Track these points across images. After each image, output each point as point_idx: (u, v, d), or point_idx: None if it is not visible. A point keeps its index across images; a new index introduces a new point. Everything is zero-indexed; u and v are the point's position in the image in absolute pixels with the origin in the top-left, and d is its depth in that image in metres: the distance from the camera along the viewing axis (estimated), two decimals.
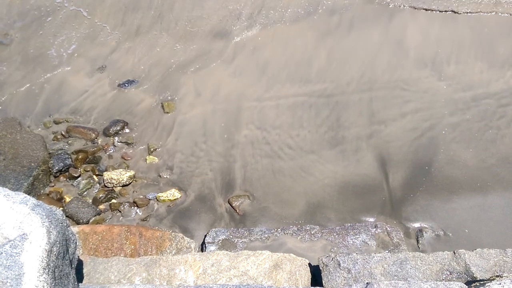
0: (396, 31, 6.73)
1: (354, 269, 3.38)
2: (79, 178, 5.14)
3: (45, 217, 2.30)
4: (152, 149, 5.44)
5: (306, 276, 3.53)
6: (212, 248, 4.24)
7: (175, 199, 4.94)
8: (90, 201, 4.93)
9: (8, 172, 4.74)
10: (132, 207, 4.88)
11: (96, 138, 5.56)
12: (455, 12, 6.38)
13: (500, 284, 2.72)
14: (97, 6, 7.39)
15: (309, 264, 3.65)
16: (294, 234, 4.35)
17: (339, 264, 3.42)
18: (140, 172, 5.25)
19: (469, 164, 5.06)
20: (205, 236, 4.42)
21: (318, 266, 3.55)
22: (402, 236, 4.36)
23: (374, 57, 6.39)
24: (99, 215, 4.80)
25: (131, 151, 5.48)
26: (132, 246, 3.98)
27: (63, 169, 5.14)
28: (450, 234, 4.46)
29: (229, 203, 4.88)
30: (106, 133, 5.61)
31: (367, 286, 2.88)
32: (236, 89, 6.11)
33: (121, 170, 5.16)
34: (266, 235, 4.36)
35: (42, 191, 4.94)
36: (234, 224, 4.71)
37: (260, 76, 6.24)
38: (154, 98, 6.08)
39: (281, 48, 6.59)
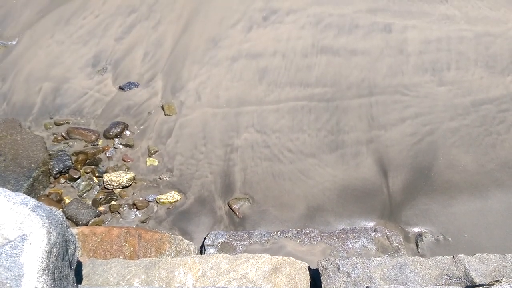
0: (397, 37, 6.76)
1: (353, 273, 3.38)
2: (79, 180, 5.14)
3: (45, 218, 2.30)
4: (152, 151, 5.45)
5: (306, 279, 3.53)
6: (212, 250, 4.24)
7: (174, 202, 4.94)
8: (90, 202, 4.93)
9: (8, 173, 4.74)
10: (132, 209, 4.88)
11: (97, 140, 5.57)
12: None
13: None
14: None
15: (309, 268, 3.64)
16: (293, 238, 4.35)
17: (339, 268, 3.42)
18: (140, 174, 5.25)
19: (469, 169, 5.07)
20: (205, 238, 4.42)
21: (317, 269, 3.54)
22: (402, 240, 4.36)
23: (375, 62, 6.42)
24: (99, 216, 4.80)
25: (131, 153, 5.49)
26: (132, 248, 3.97)
27: (63, 171, 5.14)
28: (450, 239, 4.46)
29: (228, 206, 4.88)
30: (106, 135, 5.61)
31: None
32: (236, 92, 6.13)
33: (121, 172, 5.16)
34: (266, 238, 4.36)
35: (42, 192, 4.94)
36: (233, 227, 4.71)
37: (260, 80, 6.26)
38: (154, 100, 6.09)
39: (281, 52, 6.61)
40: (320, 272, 3.48)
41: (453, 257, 3.41)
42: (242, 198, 4.94)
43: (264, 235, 4.40)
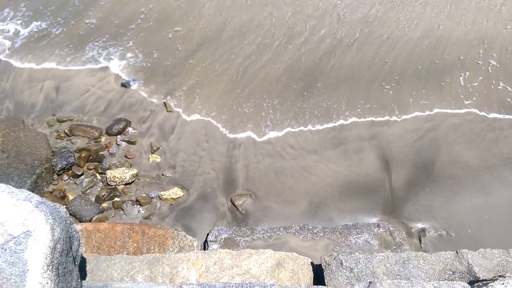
0: None
1: (356, 268, 3.38)
2: (82, 176, 5.15)
3: (49, 214, 2.31)
4: (154, 148, 5.46)
5: (308, 275, 3.53)
6: (215, 246, 4.25)
7: (177, 198, 4.95)
8: (93, 199, 4.95)
9: (12, 170, 4.75)
10: (135, 205, 4.90)
11: (99, 137, 5.58)
12: None
13: (503, 284, 2.72)
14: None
15: (312, 263, 3.65)
16: (296, 233, 4.35)
17: (342, 263, 3.42)
18: (142, 171, 5.26)
19: (472, 165, 5.05)
20: (208, 234, 4.43)
21: (320, 265, 3.55)
22: (405, 235, 4.36)
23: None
24: (102, 213, 4.81)
25: (133, 149, 5.49)
26: (135, 244, 3.99)
27: (66, 167, 5.15)
28: (453, 234, 4.45)
29: (231, 202, 4.89)
30: (109, 132, 5.62)
31: (369, 285, 2.88)
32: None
33: (124, 168, 5.17)
34: (269, 234, 4.37)
35: (45, 189, 4.95)
36: (236, 223, 4.72)
37: None
38: (157, 97, 6.09)
39: None
40: (323, 267, 3.49)
41: (456, 252, 3.41)
42: (245, 194, 4.95)
43: (267, 231, 4.41)
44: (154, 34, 6.72)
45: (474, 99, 5.68)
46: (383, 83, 5.92)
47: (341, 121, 5.58)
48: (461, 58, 5.98)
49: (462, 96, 5.73)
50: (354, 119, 5.60)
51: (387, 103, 5.74)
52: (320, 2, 6.71)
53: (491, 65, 5.93)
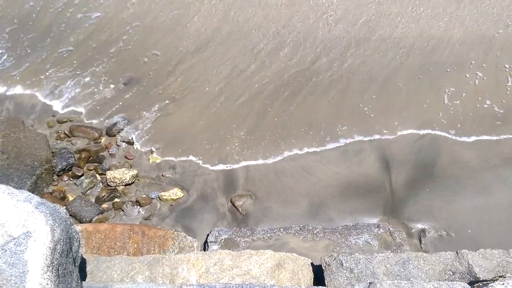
0: None
1: (356, 268, 3.38)
2: (82, 177, 5.15)
3: (49, 215, 2.30)
4: (155, 148, 5.45)
5: (309, 275, 3.53)
6: (215, 247, 4.25)
7: (177, 198, 4.95)
8: (93, 200, 4.95)
9: (12, 171, 4.75)
10: (135, 206, 4.89)
11: (99, 138, 5.58)
12: None
13: (503, 284, 2.72)
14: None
15: (312, 264, 3.65)
16: (296, 234, 4.35)
17: (342, 264, 3.42)
18: (142, 171, 5.26)
19: (472, 165, 5.05)
20: (208, 235, 4.43)
21: (320, 265, 3.55)
22: (405, 236, 4.36)
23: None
24: (102, 214, 4.81)
25: (133, 150, 5.49)
26: (135, 245, 3.99)
27: (66, 168, 5.15)
28: (453, 234, 4.45)
29: (231, 203, 4.89)
30: (109, 132, 5.62)
31: (369, 285, 2.88)
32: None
33: (124, 169, 5.17)
34: (269, 235, 4.37)
35: (45, 190, 4.95)
36: (236, 223, 4.72)
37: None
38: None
39: None
40: (323, 268, 3.49)
41: (457, 252, 3.41)
42: (245, 195, 4.95)
43: (267, 231, 4.41)
44: (129, 59, 6.36)
45: (459, 125, 5.41)
46: (361, 105, 5.68)
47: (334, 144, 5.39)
48: (448, 70, 5.85)
49: (445, 122, 5.46)
50: (342, 140, 5.41)
51: (371, 126, 5.52)
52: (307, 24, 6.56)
53: (478, 77, 5.75)
